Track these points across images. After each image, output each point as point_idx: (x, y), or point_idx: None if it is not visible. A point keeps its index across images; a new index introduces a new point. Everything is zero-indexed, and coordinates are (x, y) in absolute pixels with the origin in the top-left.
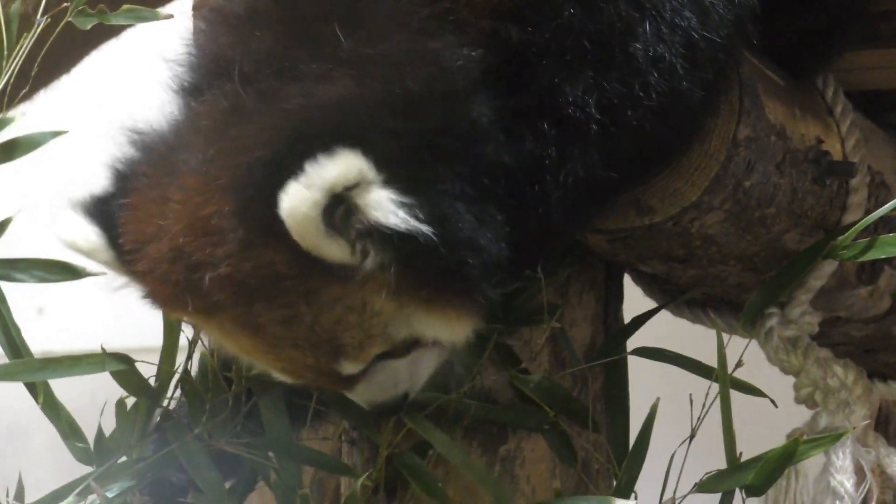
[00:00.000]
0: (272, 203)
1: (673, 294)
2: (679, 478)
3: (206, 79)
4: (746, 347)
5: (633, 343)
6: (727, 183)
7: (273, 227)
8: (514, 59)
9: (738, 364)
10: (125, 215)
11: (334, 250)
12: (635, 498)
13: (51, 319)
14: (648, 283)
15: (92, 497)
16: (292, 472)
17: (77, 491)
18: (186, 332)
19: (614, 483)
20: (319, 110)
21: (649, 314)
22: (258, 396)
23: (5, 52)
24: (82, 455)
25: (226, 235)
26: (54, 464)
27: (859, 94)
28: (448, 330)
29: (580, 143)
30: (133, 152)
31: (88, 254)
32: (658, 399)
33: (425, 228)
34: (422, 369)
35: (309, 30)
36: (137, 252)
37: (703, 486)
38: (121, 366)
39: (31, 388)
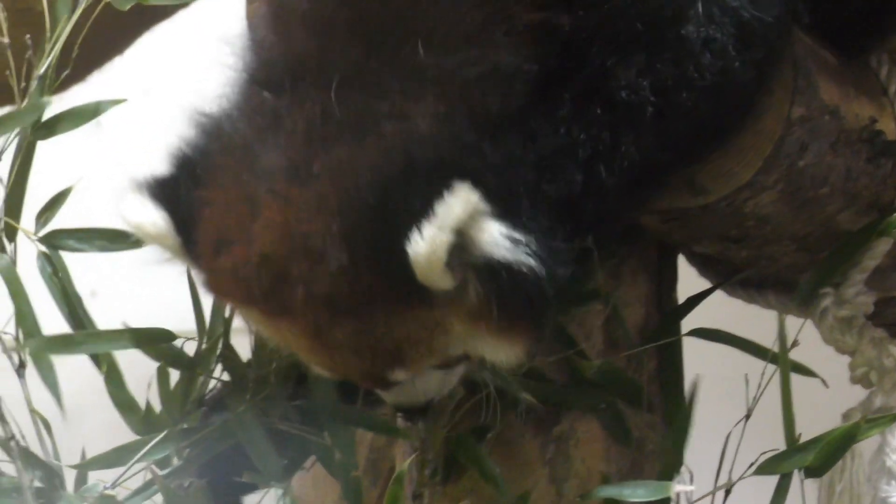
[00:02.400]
0: (392, 238)
1: (727, 274)
2: (735, 459)
3: (287, 77)
4: (802, 328)
5: (686, 323)
6: (781, 163)
7: (383, 258)
8: (565, 48)
9: (793, 344)
10: (204, 207)
11: (444, 282)
12: (690, 479)
13: (103, 301)
14: (702, 264)
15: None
16: (347, 445)
17: (130, 464)
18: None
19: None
20: (424, 139)
21: (704, 294)
22: (307, 373)
23: (48, 34)
24: (139, 427)
25: (328, 256)
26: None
27: None
28: (505, 353)
29: (634, 126)
30: (201, 137)
31: (155, 238)
32: (698, 376)
33: (535, 263)
34: (453, 378)
35: (388, 40)
36: (218, 248)
37: (762, 468)
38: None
39: (95, 358)
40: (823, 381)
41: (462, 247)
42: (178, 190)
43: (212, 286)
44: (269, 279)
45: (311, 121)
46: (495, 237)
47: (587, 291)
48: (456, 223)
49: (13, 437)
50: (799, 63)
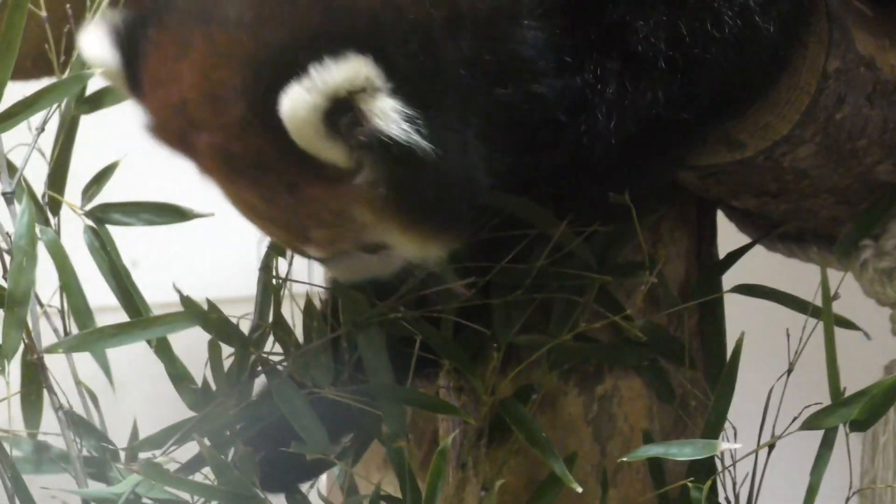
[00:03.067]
0: (275, 97)
1: (766, 229)
2: (777, 415)
3: None
4: (842, 281)
5: (726, 279)
6: (818, 116)
7: (271, 118)
8: None
9: (834, 297)
10: (148, 47)
11: (331, 153)
12: (734, 436)
13: (144, 271)
14: (741, 219)
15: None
16: (398, 418)
17: (177, 437)
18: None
19: None
20: (351, 12)
21: (744, 249)
22: (360, 344)
23: (88, 3)
24: (192, 400)
25: (228, 107)
26: (156, 420)
27: None
28: (419, 251)
29: (647, 79)
30: None
31: (106, 74)
32: (743, 333)
33: (426, 145)
34: (392, 262)
35: None
36: (151, 89)
37: (807, 423)
38: (208, 316)
39: None
40: (866, 334)
41: (356, 121)
42: (138, 31)
43: (149, 126)
44: (184, 125)
45: None
46: (386, 111)
47: (633, 263)
48: (331, 88)
49: (61, 406)
50: (833, 15)
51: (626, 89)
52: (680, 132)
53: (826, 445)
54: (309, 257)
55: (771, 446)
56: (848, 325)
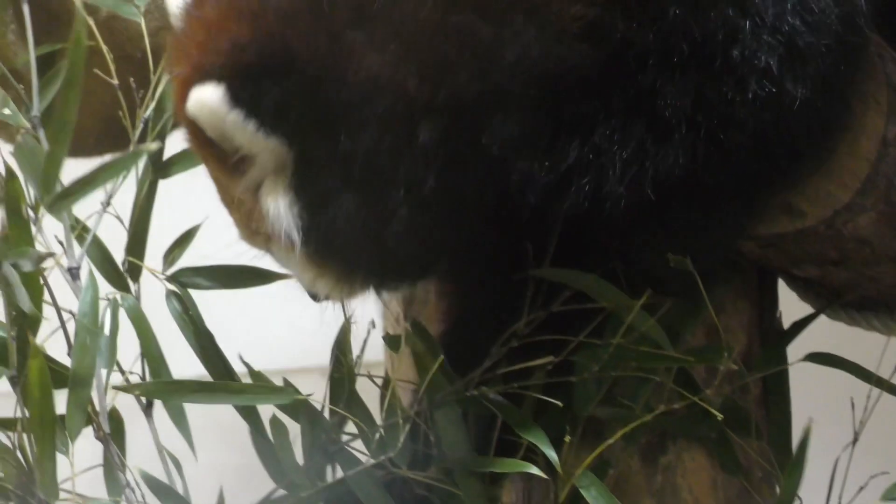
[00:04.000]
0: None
1: (828, 297)
2: (844, 483)
3: None
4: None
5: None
6: (878, 183)
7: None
8: (611, 56)
9: None
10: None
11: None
12: None
13: (181, 354)
14: (803, 288)
15: None
16: (477, 495)
17: None
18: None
19: (778, 491)
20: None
21: (808, 319)
22: (438, 421)
23: (153, 78)
24: (278, 477)
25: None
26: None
27: None
28: (310, 280)
29: (670, 141)
30: None
31: None
32: (811, 420)
33: (298, 238)
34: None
35: None
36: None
37: (886, 494)
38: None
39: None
40: None
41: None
42: None
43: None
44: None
45: None
46: (280, 208)
47: (711, 347)
48: (236, 141)
49: (127, 483)
50: (893, 82)
51: (646, 151)
52: (732, 200)
53: None
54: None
55: None
56: None
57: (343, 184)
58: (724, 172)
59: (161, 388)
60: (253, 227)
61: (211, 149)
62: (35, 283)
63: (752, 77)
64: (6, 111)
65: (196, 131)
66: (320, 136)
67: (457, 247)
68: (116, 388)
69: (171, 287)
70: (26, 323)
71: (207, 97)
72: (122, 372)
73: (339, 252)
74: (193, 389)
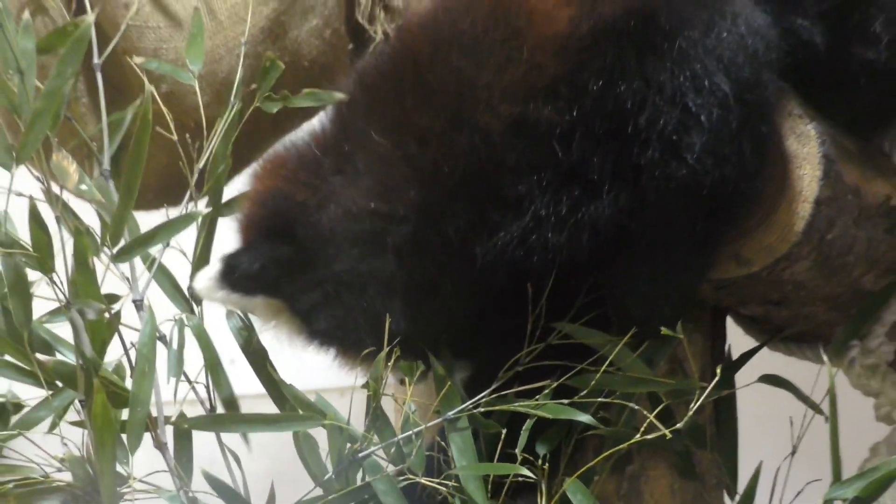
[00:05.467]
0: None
1: (770, 332)
2: (784, 489)
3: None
4: (835, 374)
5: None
6: (812, 237)
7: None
8: (540, 142)
9: (830, 390)
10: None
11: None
12: None
13: (240, 368)
14: (748, 324)
15: None
16: (477, 500)
17: None
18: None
19: (725, 494)
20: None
21: (753, 351)
22: (449, 435)
23: (206, 135)
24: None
25: None
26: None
27: None
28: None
29: (599, 200)
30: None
31: None
32: (761, 462)
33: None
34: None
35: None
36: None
37: (828, 495)
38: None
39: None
40: (824, 415)
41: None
42: None
43: None
44: None
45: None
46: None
47: (685, 381)
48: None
49: (182, 487)
50: (826, 152)
51: (581, 209)
52: (691, 252)
53: None
54: None
55: None
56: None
57: (332, 295)
58: (670, 226)
59: (208, 421)
60: None
61: None
62: (99, 328)
63: (656, 141)
64: (83, 187)
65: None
66: (306, 268)
67: (448, 320)
68: (171, 423)
69: (232, 309)
70: (88, 364)
71: (201, 284)
72: (189, 381)
73: (355, 342)
74: (234, 421)
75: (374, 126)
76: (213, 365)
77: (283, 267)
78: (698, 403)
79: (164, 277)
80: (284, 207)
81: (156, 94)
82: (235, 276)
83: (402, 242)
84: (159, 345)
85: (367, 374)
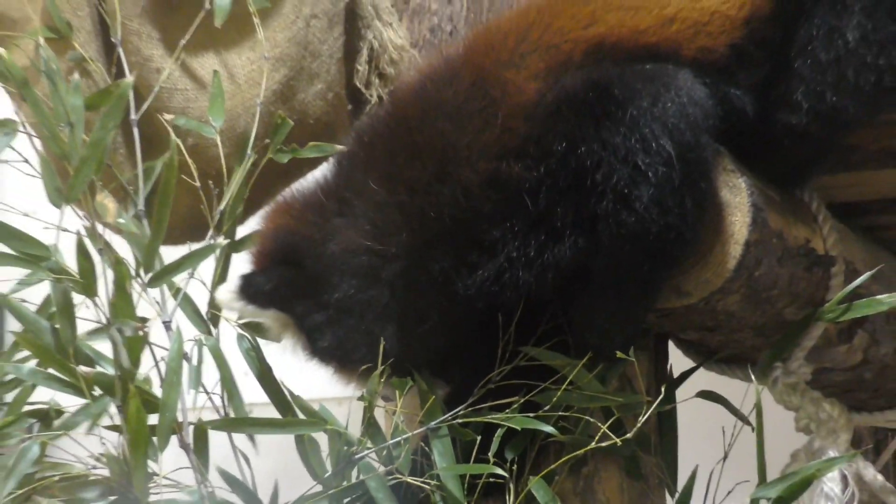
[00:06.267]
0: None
1: (706, 355)
2: (717, 488)
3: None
4: (761, 391)
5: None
6: (742, 273)
7: None
8: (512, 194)
9: (756, 404)
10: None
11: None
12: None
13: (252, 380)
14: (687, 347)
15: None
16: (456, 494)
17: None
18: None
19: (666, 493)
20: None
21: (691, 371)
22: (431, 439)
23: (225, 181)
24: (317, 474)
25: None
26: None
27: (836, 205)
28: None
29: (562, 245)
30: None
31: None
32: (697, 466)
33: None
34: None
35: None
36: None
37: (754, 494)
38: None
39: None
40: (749, 423)
41: None
42: None
43: None
44: None
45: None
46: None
47: (633, 396)
48: (245, 314)
49: (203, 482)
50: (755, 202)
51: (546, 252)
52: (639, 289)
53: None
54: None
55: None
56: (744, 420)
57: (334, 316)
58: (623, 267)
59: (228, 423)
60: None
61: None
62: (134, 343)
63: (610, 193)
64: (121, 220)
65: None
66: (312, 293)
67: (434, 344)
68: (201, 423)
69: (242, 332)
70: (125, 375)
71: (223, 296)
72: (206, 392)
73: (353, 359)
74: (252, 424)
75: (371, 176)
76: (227, 379)
77: (292, 288)
78: (645, 416)
79: (187, 303)
80: (293, 241)
81: (182, 146)
82: (252, 291)
83: (394, 277)
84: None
85: (362, 388)
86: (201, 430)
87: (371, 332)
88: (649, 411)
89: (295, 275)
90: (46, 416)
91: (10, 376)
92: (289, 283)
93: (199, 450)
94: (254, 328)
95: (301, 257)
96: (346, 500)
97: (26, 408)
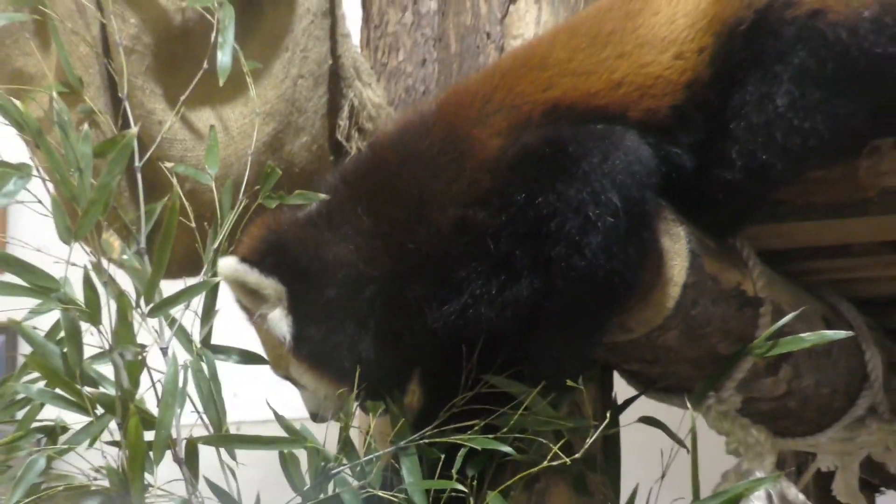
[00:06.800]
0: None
1: (646, 384)
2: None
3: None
4: (696, 417)
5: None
6: (680, 312)
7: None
8: (477, 238)
9: (692, 429)
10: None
11: (253, 310)
12: None
13: (242, 400)
14: (630, 377)
15: None
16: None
17: None
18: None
19: None
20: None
21: (633, 398)
22: (400, 457)
23: (219, 223)
24: (297, 484)
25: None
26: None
27: (764, 252)
28: (315, 387)
29: (517, 287)
30: None
31: None
32: (638, 484)
33: (290, 341)
34: (323, 403)
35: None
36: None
37: None
38: (304, 443)
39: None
40: (683, 444)
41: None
42: None
43: None
44: None
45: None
46: (275, 318)
47: (583, 421)
48: (247, 281)
49: (193, 492)
50: (692, 249)
51: (506, 290)
52: (587, 325)
53: None
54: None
55: None
56: (680, 443)
57: (318, 313)
58: (573, 305)
59: (217, 439)
60: (275, 359)
61: (245, 311)
62: (134, 367)
63: (563, 240)
64: (125, 256)
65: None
66: (302, 282)
67: (404, 363)
68: (193, 439)
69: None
70: (125, 395)
71: (227, 261)
72: (198, 411)
73: (327, 359)
74: (239, 440)
75: (358, 205)
76: (210, 400)
77: (291, 268)
78: (592, 439)
79: (181, 333)
80: (286, 239)
81: (180, 191)
82: (257, 258)
83: (374, 296)
84: None
85: (340, 409)
86: (192, 446)
87: (348, 340)
88: (595, 434)
89: (293, 260)
90: (53, 432)
91: (20, 395)
92: (289, 262)
93: (190, 463)
94: (251, 296)
95: (294, 254)
96: None
97: (35, 424)
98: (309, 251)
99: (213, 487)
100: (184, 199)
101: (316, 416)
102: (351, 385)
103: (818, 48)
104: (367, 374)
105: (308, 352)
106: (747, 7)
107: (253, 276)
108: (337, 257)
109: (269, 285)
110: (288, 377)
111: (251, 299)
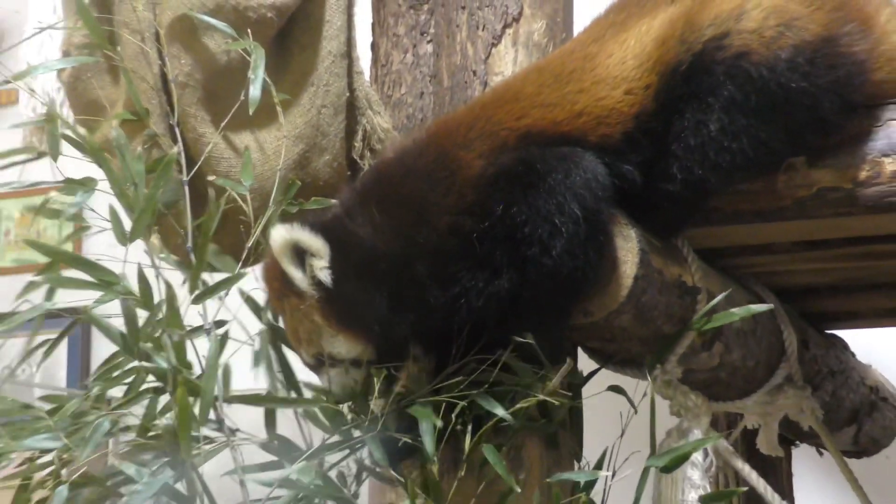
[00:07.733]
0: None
1: (605, 358)
2: (616, 456)
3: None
4: (648, 386)
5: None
6: (632, 299)
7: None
8: (466, 240)
9: (651, 395)
10: None
11: (295, 276)
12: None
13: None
14: (591, 353)
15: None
16: (394, 460)
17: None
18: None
19: (575, 462)
20: (344, 234)
21: (595, 371)
22: (415, 407)
23: (252, 226)
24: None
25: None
26: None
27: (701, 250)
28: (345, 347)
29: (506, 280)
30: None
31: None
32: (607, 448)
33: (330, 289)
34: (346, 380)
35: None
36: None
37: (646, 464)
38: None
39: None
40: (632, 403)
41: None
42: None
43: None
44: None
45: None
46: (317, 268)
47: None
48: (298, 241)
49: (233, 431)
50: (642, 247)
51: (490, 283)
52: (556, 312)
53: (644, 478)
54: (307, 364)
55: (614, 474)
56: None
57: (351, 273)
58: (544, 295)
59: (250, 398)
60: (308, 336)
61: (283, 287)
62: (180, 347)
63: (535, 243)
64: (162, 255)
65: (273, 280)
66: (336, 247)
67: (418, 325)
68: (229, 399)
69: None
70: (175, 368)
71: (278, 228)
72: (270, 371)
73: (358, 316)
74: (268, 399)
75: (372, 206)
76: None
77: (336, 232)
78: (567, 407)
79: (254, 307)
80: (319, 220)
81: (226, 200)
82: (311, 219)
83: (391, 269)
84: None
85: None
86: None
87: (373, 300)
88: (566, 404)
89: (329, 230)
90: (157, 391)
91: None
92: (336, 228)
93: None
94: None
95: (328, 227)
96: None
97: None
98: (337, 228)
99: (278, 437)
100: (232, 204)
101: (342, 398)
102: (377, 344)
103: (743, 83)
104: (390, 333)
105: (341, 308)
106: (686, 51)
107: (304, 234)
108: (360, 235)
109: (317, 241)
110: (318, 356)
111: (296, 262)
